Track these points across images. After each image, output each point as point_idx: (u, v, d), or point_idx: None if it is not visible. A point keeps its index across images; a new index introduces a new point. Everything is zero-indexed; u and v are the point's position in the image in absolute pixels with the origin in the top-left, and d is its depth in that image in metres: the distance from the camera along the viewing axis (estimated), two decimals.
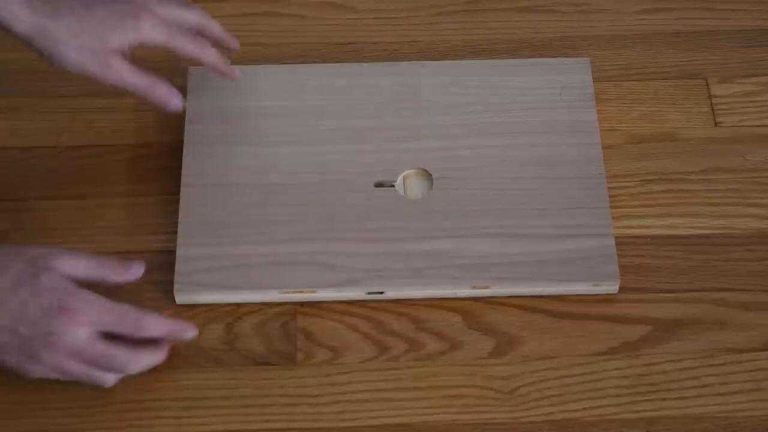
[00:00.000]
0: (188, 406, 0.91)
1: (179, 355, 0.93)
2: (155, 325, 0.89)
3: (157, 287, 0.96)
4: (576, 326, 0.95)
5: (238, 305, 0.95)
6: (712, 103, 1.07)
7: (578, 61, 1.06)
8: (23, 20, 0.93)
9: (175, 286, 0.95)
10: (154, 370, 0.92)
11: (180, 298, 0.95)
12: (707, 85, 1.08)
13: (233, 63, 1.03)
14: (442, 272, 0.95)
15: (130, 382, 0.92)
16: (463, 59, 1.08)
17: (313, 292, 0.95)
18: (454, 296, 0.95)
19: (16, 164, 1.04)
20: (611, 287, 0.95)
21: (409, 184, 1.00)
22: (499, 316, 0.95)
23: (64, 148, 1.04)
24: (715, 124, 1.06)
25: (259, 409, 0.91)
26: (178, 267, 0.95)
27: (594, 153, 1.01)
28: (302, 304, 0.95)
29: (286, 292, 0.95)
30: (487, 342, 0.94)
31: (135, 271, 0.92)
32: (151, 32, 0.95)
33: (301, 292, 0.95)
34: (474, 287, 0.95)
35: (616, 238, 0.98)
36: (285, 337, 0.94)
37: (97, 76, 0.95)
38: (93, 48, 0.94)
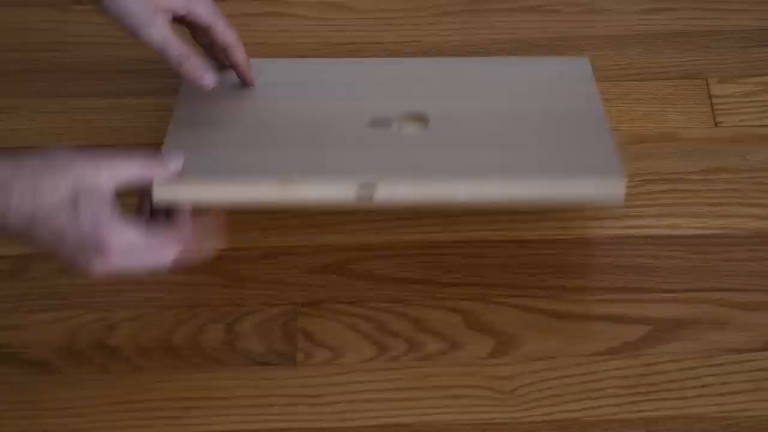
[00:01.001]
0: (188, 406, 0.91)
1: (179, 355, 0.93)
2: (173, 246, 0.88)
3: None
4: (576, 326, 0.95)
5: (237, 305, 0.96)
6: (712, 103, 1.07)
7: (578, 60, 1.06)
8: None
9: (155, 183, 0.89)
10: (154, 370, 0.92)
11: (159, 193, 0.89)
12: (707, 85, 1.08)
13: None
14: (442, 170, 0.91)
15: (130, 382, 0.92)
16: (463, 58, 1.08)
17: (305, 180, 0.90)
18: (451, 199, 0.90)
19: None
20: (617, 186, 0.90)
21: (405, 124, 0.97)
22: (499, 316, 0.95)
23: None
24: (715, 124, 1.06)
25: (259, 409, 0.91)
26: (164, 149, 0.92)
27: (594, 106, 0.98)
28: (302, 303, 0.96)
29: (284, 180, 0.90)
30: (487, 342, 0.94)
31: (175, 164, 0.91)
32: (202, 6, 0.95)
33: (295, 182, 0.90)
34: (475, 183, 0.90)
35: (615, 237, 0.98)
36: (285, 337, 0.94)
37: (139, 27, 0.93)
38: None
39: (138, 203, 0.91)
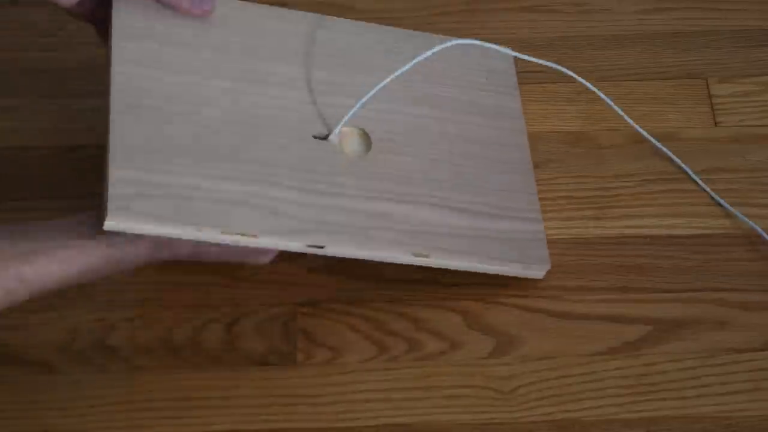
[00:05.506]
0: (188, 406, 0.91)
1: (179, 355, 0.93)
2: None
3: None
4: (576, 326, 0.95)
5: (237, 305, 0.95)
6: (712, 103, 1.07)
7: (500, 50, 1.04)
8: None
9: (109, 207, 0.84)
10: (154, 370, 0.92)
11: (110, 224, 0.84)
12: (707, 85, 1.08)
13: None
14: (385, 234, 0.92)
15: (130, 382, 0.92)
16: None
17: (255, 236, 0.89)
18: (393, 260, 0.93)
19: (16, 164, 1.04)
20: (539, 272, 0.96)
21: (347, 141, 0.97)
22: (499, 316, 0.95)
23: (64, 148, 1.04)
24: (715, 124, 1.06)
25: (259, 409, 0.91)
26: (112, 190, 0.85)
27: (520, 140, 1.01)
28: (302, 303, 0.96)
29: (227, 233, 0.88)
30: (487, 342, 0.94)
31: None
32: None
33: (243, 235, 0.88)
34: (415, 255, 0.93)
35: (615, 237, 0.98)
36: (285, 337, 0.94)
37: None
38: None
39: None
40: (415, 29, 1.12)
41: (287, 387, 0.92)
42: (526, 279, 0.96)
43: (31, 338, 0.94)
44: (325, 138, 0.96)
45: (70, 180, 1.01)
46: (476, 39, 0.99)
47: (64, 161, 1.03)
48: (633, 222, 1.00)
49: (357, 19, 1.12)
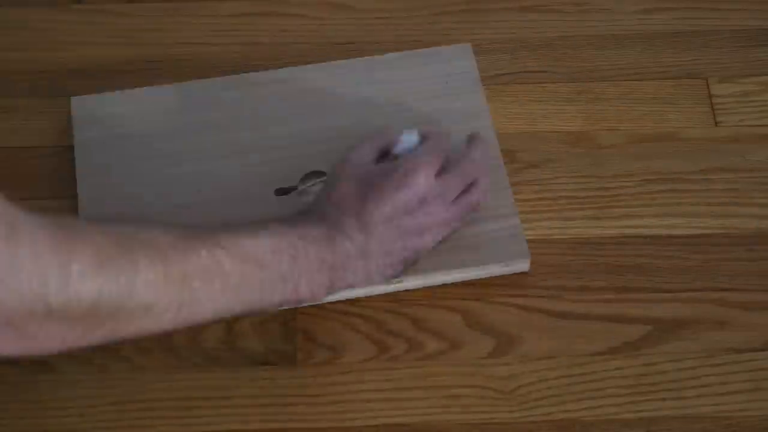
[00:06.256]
0: (188, 406, 0.91)
1: (179, 355, 0.93)
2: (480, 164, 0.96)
3: None
4: (576, 326, 0.95)
5: None
6: (712, 103, 1.07)
7: (459, 47, 1.07)
8: None
9: None
10: (154, 370, 0.92)
11: None
12: (707, 85, 1.08)
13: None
14: None
15: (130, 381, 0.92)
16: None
17: None
18: (369, 295, 0.95)
19: (16, 164, 1.04)
20: (522, 265, 0.96)
21: (312, 190, 0.99)
22: (499, 316, 0.95)
23: (64, 148, 1.04)
24: (715, 124, 1.06)
25: (258, 409, 0.91)
26: None
27: (487, 137, 1.00)
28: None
29: None
30: (487, 342, 0.94)
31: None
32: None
33: None
34: (389, 282, 0.94)
35: (615, 237, 0.98)
36: (285, 337, 0.94)
37: None
38: None
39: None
40: (415, 29, 1.12)
41: (287, 387, 0.92)
42: (525, 278, 0.96)
43: None
44: (286, 193, 0.98)
45: (70, 180, 1.01)
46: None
47: (64, 161, 1.03)
48: (633, 222, 1.00)
49: (357, 18, 1.13)
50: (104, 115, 1.02)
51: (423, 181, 0.91)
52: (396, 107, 1.03)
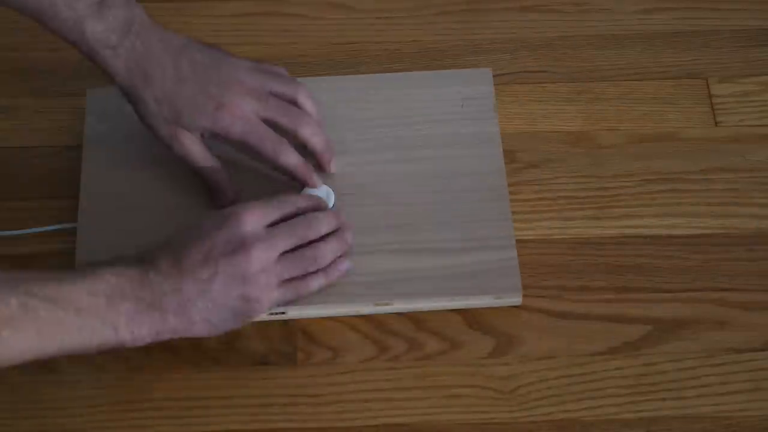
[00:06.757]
0: (188, 406, 0.91)
1: (179, 355, 0.93)
2: (325, 222, 0.93)
3: None
4: (576, 326, 0.95)
5: None
6: (712, 103, 1.07)
7: (480, 72, 1.06)
8: (122, 77, 0.94)
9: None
10: (154, 370, 0.92)
11: None
12: (707, 85, 1.08)
13: None
14: (345, 289, 0.94)
15: (130, 382, 0.92)
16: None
17: None
18: (358, 313, 0.94)
19: (16, 164, 1.04)
20: (514, 300, 0.95)
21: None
22: (499, 316, 0.95)
23: (64, 148, 1.04)
24: (715, 124, 1.06)
25: (259, 409, 0.91)
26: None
27: (496, 165, 1.00)
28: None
29: None
30: (487, 342, 0.94)
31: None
32: (227, 126, 0.95)
33: None
34: (377, 304, 0.94)
35: (615, 237, 0.98)
36: (285, 337, 0.94)
37: (164, 143, 0.96)
38: (167, 119, 0.94)
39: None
40: (415, 29, 1.12)
41: (287, 387, 0.92)
42: (525, 278, 0.96)
43: None
44: None
45: (70, 180, 1.01)
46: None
47: (64, 161, 1.03)
48: (633, 222, 1.00)
49: (357, 18, 1.13)
50: (117, 109, 1.01)
51: (247, 222, 0.89)
52: (405, 125, 1.03)
